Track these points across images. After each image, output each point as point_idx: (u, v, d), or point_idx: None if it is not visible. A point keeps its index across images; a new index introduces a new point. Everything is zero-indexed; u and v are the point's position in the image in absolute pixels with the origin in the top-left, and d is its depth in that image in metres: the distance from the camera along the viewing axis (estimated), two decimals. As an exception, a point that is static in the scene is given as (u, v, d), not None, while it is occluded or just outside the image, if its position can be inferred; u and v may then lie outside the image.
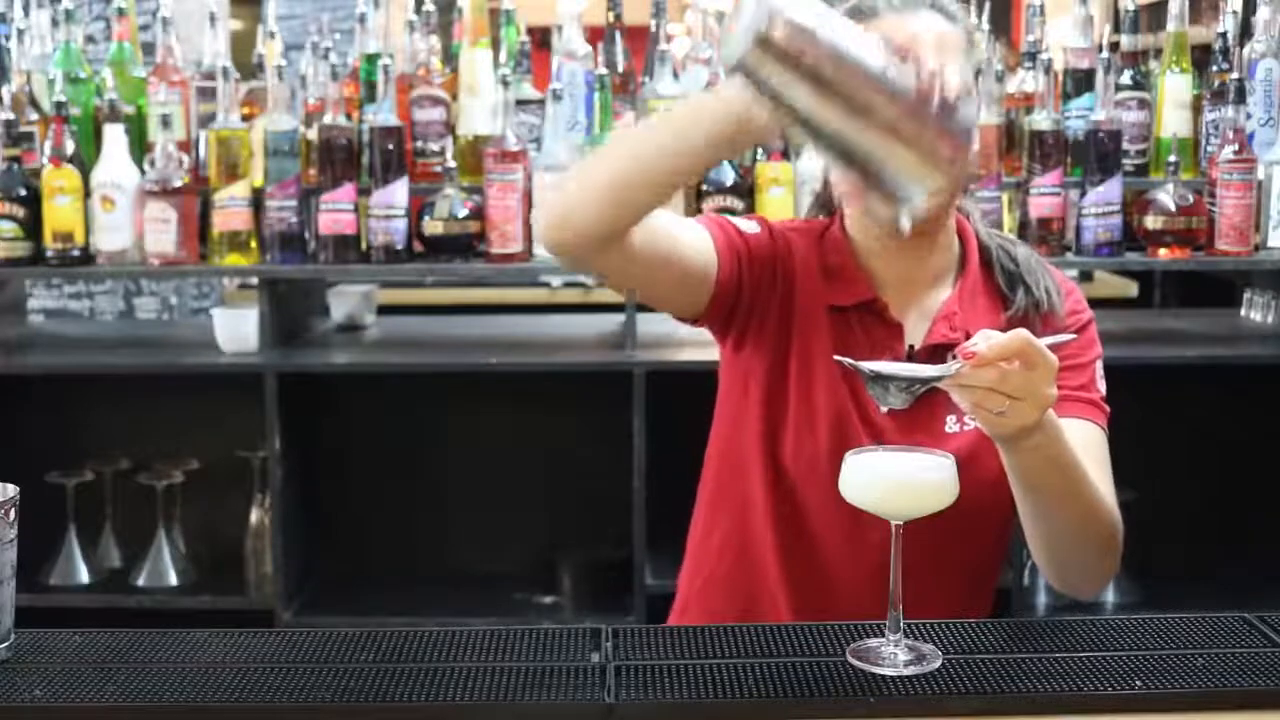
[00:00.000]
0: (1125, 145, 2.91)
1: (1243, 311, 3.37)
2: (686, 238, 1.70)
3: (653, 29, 2.99)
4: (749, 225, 1.75)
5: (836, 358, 1.47)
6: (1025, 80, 3.00)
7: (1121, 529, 1.66)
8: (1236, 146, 2.80)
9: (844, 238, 1.75)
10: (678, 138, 1.54)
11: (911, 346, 1.71)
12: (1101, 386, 1.75)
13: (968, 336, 1.59)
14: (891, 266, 1.73)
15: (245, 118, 2.96)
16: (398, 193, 2.89)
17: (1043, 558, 1.67)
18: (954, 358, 1.40)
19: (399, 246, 2.90)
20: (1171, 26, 2.96)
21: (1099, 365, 1.75)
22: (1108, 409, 1.74)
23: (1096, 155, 2.86)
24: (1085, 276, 4.55)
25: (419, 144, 2.96)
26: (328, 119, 2.89)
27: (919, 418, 1.67)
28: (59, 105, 2.86)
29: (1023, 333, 1.40)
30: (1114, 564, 1.70)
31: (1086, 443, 1.64)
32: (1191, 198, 2.88)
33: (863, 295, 1.71)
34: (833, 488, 1.48)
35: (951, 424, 1.69)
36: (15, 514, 1.41)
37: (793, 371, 1.72)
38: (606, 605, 2.99)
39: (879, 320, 1.71)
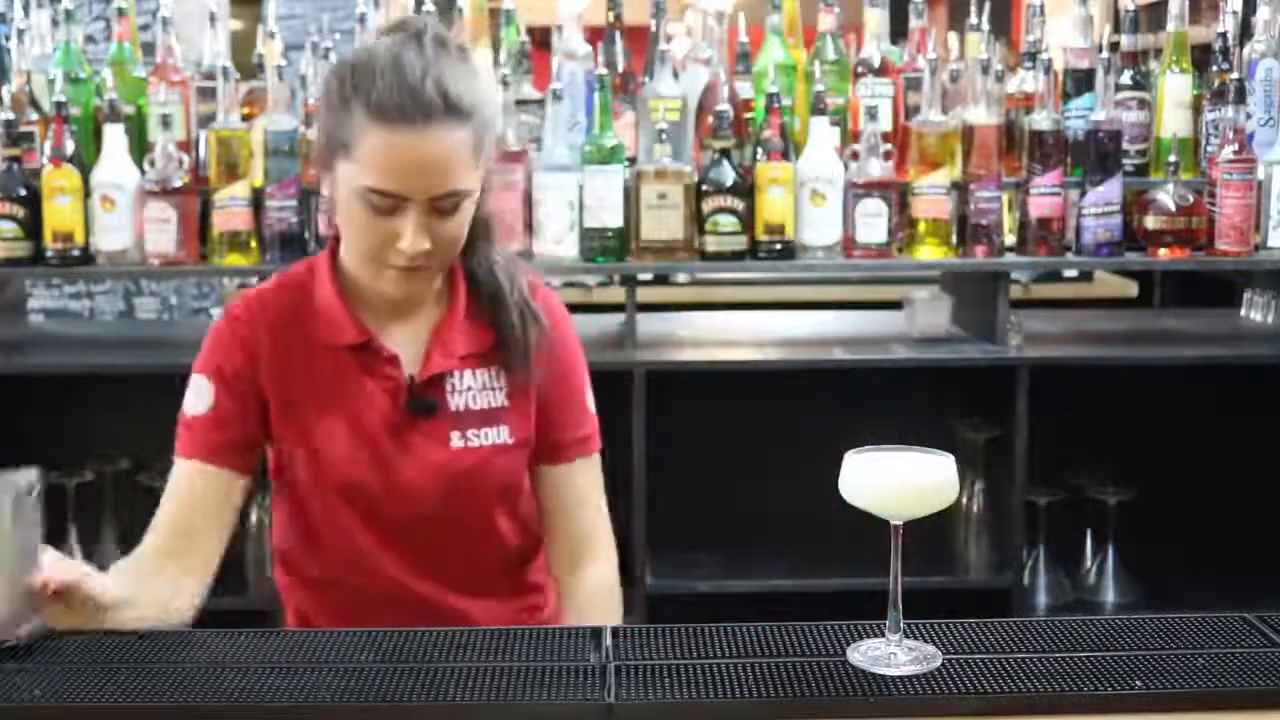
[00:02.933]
0: (1125, 145, 2.91)
1: (1243, 311, 3.37)
2: (221, 494, 1.84)
3: (653, 29, 3.00)
4: (198, 401, 1.83)
5: None
6: (1025, 80, 3.00)
7: (610, 549, 1.94)
8: (1236, 146, 2.80)
9: (333, 277, 1.80)
10: None
11: (411, 377, 1.79)
12: (590, 403, 1.92)
13: (461, 361, 1.78)
14: (380, 302, 1.80)
15: (245, 118, 2.96)
16: (398, 193, 2.88)
17: None
18: None
19: (399, 246, 2.89)
20: (1171, 26, 2.97)
21: (587, 387, 1.92)
22: (596, 424, 1.93)
23: (1096, 155, 2.86)
24: (1085, 276, 4.56)
25: (419, 144, 2.96)
26: (328, 119, 2.88)
27: (432, 431, 1.79)
28: (59, 105, 2.85)
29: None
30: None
31: (586, 479, 1.91)
32: (1191, 198, 2.88)
33: (353, 338, 1.78)
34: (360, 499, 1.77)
35: (456, 440, 1.80)
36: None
37: (310, 412, 1.79)
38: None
39: (375, 356, 1.79)
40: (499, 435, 1.82)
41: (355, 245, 1.73)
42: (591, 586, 1.88)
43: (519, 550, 1.90)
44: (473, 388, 1.81)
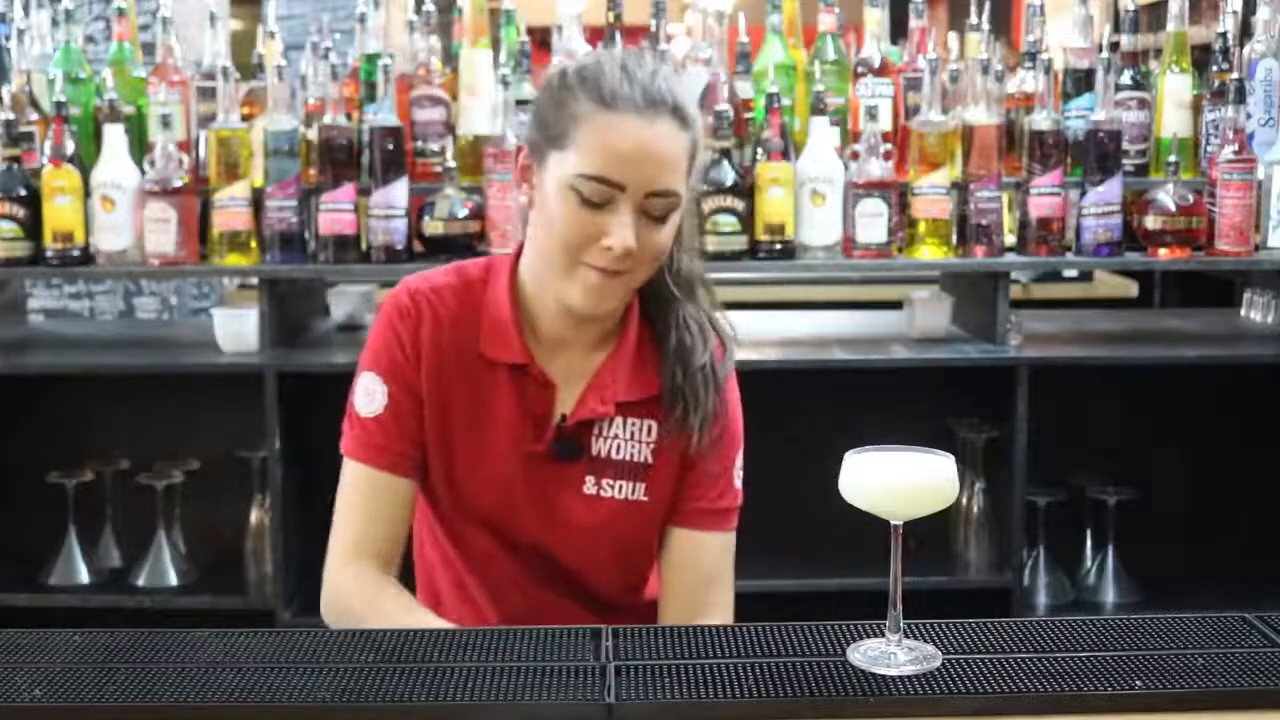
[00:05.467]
0: (1125, 145, 2.91)
1: (1243, 311, 3.37)
2: (401, 504, 1.75)
3: (653, 29, 2.99)
4: (371, 402, 1.76)
5: None
6: (1025, 80, 3.00)
7: None
8: (1236, 146, 2.80)
9: (510, 288, 1.74)
10: None
11: (563, 416, 1.74)
12: (738, 481, 1.81)
13: (616, 407, 1.71)
14: (552, 325, 1.74)
15: (245, 118, 2.96)
16: (398, 193, 2.89)
17: None
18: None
19: (399, 246, 2.90)
20: (1171, 26, 2.97)
21: (738, 462, 1.81)
22: (740, 502, 1.81)
23: (1096, 155, 2.86)
24: (1085, 276, 4.56)
25: (419, 144, 2.96)
26: (328, 119, 2.89)
27: (567, 471, 1.74)
28: (59, 105, 2.86)
29: None
30: None
31: (717, 555, 1.80)
32: (1191, 198, 2.88)
33: (516, 358, 1.73)
34: (498, 522, 1.73)
35: (589, 485, 1.75)
36: None
37: (453, 422, 1.74)
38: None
39: (532, 381, 1.73)
40: (634, 491, 1.75)
41: (555, 241, 1.64)
42: None
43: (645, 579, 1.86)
44: (619, 437, 1.75)
